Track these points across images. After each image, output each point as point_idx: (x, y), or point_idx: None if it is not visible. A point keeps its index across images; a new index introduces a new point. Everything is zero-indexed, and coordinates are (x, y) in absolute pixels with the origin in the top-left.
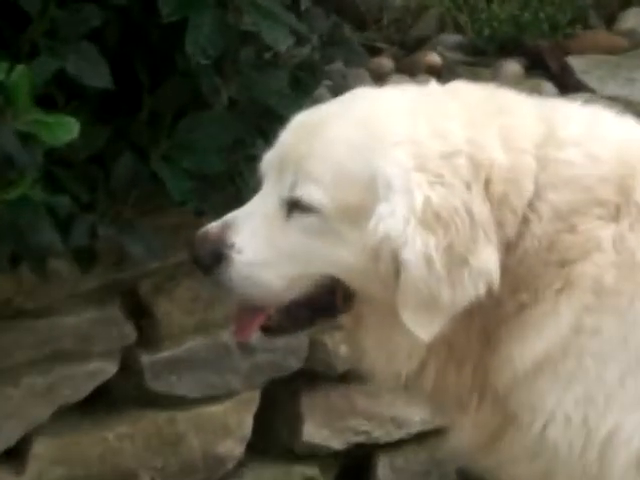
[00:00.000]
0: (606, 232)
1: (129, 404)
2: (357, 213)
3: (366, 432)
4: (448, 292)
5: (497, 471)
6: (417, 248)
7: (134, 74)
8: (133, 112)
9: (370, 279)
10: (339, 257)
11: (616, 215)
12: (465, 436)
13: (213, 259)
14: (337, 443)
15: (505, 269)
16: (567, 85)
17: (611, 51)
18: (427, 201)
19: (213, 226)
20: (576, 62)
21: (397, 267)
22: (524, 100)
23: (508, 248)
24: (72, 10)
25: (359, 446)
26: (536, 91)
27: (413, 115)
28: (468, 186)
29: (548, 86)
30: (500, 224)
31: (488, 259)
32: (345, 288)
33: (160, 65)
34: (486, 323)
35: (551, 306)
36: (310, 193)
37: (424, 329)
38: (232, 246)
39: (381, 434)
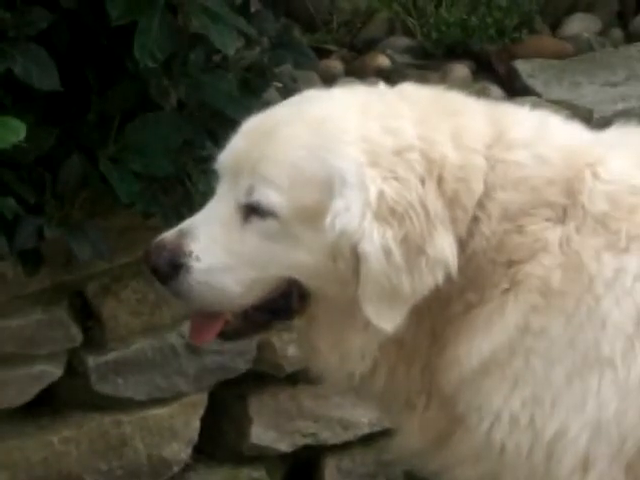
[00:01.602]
0: (553, 234)
1: (74, 407)
2: (314, 214)
3: (313, 434)
4: (408, 281)
5: (444, 473)
6: (374, 240)
7: (83, 76)
8: (81, 114)
9: (328, 279)
10: (298, 259)
11: (563, 217)
12: (412, 437)
13: (171, 268)
14: (284, 445)
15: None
16: (513, 89)
17: (556, 56)
18: (381, 195)
19: (169, 235)
20: (522, 66)
21: (356, 262)
22: (472, 102)
23: (459, 246)
24: (20, 12)
25: (306, 448)
26: (483, 94)
27: (364, 114)
28: (422, 181)
29: (495, 90)
30: (453, 221)
31: (445, 248)
32: (302, 289)
33: (109, 67)
34: (435, 323)
35: (498, 306)
36: (267, 197)
37: (387, 320)
38: (190, 254)
39: (328, 436)
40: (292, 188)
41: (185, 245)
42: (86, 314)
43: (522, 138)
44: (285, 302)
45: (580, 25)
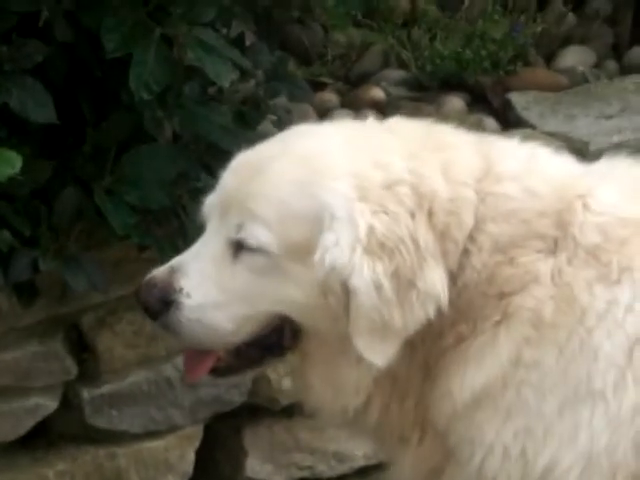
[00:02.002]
0: (545, 265)
1: (69, 440)
2: (304, 249)
3: (309, 467)
4: (399, 315)
5: None
6: (364, 275)
7: (78, 109)
8: (77, 146)
9: (319, 314)
10: (288, 295)
11: (554, 249)
12: (406, 471)
13: (161, 305)
14: (280, 478)
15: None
16: (508, 121)
17: (551, 88)
18: (371, 229)
19: (160, 271)
20: (517, 98)
21: (346, 298)
22: (462, 136)
23: (450, 279)
24: (16, 45)
25: None
26: (478, 126)
27: (353, 149)
28: (412, 215)
29: (490, 122)
30: (443, 254)
31: (436, 281)
32: (293, 325)
33: (104, 100)
34: (427, 356)
35: (490, 338)
36: (256, 233)
37: (379, 355)
38: (180, 291)
39: (324, 469)
40: (281, 224)
41: (175, 282)
42: (81, 347)
43: (511, 171)
44: (277, 338)
45: (574, 58)
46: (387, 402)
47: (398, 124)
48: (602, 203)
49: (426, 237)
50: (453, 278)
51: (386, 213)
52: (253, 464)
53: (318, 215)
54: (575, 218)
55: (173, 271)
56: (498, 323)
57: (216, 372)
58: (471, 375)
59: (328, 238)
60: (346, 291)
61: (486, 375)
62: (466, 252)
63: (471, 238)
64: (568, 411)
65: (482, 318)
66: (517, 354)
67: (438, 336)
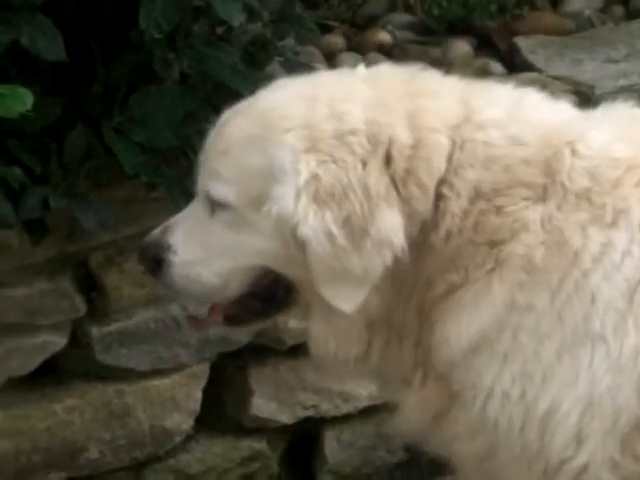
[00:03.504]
0: (533, 213)
1: (78, 377)
2: (262, 202)
3: (314, 406)
4: (358, 262)
5: (442, 449)
6: (311, 223)
7: (88, 47)
8: (86, 85)
9: (292, 265)
10: (259, 247)
11: (543, 196)
12: (411, 414)
13: (155, 263)
14: (285, 417)
15: (430, 249)
16: (514, 65)
17: (557, 32)
18: (316, 178)
19: (155, 231)
20: (523, 43)
21: (302, 248)
22: (448, 83)
23: (426, 225)
24: None
25: (307, 420)
26: (484, 71)
27: (312, 101)
28: (363, 162)
29: (496, 66)
30: (406, 200)
31: (388, 229)
32: (283, 279)
33: (114, 39)
34: (421, 303)
35: (483, 285)
36: (217, 189)
37: (345, 302)
38: (169, 248)
39: (329, 408)
40: (238, 179)
41: (164, 240)
42: (90, 285)
43: (494, 118)
44: (273, 291)
45: (581, 2)
46: (386, 347)
47: (382, 72)
48: (592, 147)
49: (379, 184)
50: (432, 225)
51: (335, 162)
52: (258, 403)
53: (269, 168)
54: (562, 165)
55: (164, 230)
56: (491, 271)
57: (227, 321)
58: (467, 322)
59: (276, 190)
60: (300, 242)
61: (482, 321)
62: (443, 197)
63: (447, 184)
64: (566, 354)
65: (474, 266)
66: (511, 299)
67: (429, 284)
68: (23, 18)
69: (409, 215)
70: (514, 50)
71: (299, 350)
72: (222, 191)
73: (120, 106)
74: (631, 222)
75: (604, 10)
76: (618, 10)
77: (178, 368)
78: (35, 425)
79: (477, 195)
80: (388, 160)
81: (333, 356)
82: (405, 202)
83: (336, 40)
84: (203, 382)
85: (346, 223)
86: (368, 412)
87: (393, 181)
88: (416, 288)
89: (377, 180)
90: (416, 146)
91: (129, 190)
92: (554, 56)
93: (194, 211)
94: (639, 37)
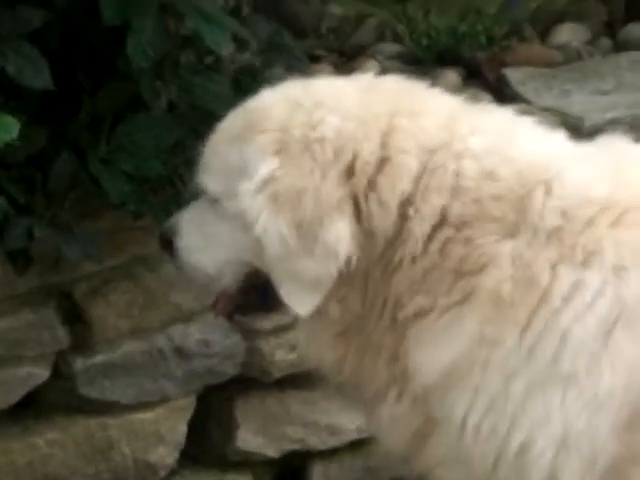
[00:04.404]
0: (502, 248)
1: (60, 410)
2: (233, 198)
3: (301, 439)
4: (311, 267)
5: (428, 475)
6: (263, 222)
7: (74, 76)
8: (73, 114)
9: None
10: (240, 240)
11: (513, 232)
12: (387, 428)
13: (166, 246)
14: (272, 450)
15: (396, 268)
16: (503, 96)
17: (546, 64)
18: (273, 180)
19: (172, 219)
20: (512, 74)
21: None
22: (440, 104)
23: (391, 244)
24: (13, 10)
25: (294, 454)
26: (474, 101)
27: (296, 106)
28: (323, 171)
29: (485, 97)
30: (367, 215)
31: (334, 239)
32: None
33: (100, 67)
34: (394, 320)
35: (453, 317)
36: (205, 182)
37: (300, 305)
38: (177, 233)
39: (316, 442)
40: (221, 174)
41: (174, 227)
42: (74, 316)
43: (473, 149)
44: (267, 288)
45: (569, 34)
46: (361, 357)
47: (381, 84)
48: (567, 185)
49: (333, 193)
50: (395, 243)
51: (296, 167)
52: (245, 436)
53: (243, 166)
54: (535, 203)
55: (176, 218)
56: (460, 302)
57: (234, 312)
58: (438, 353)
59: (240, 186)
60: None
61: (452, 353)
62: (408, 218)
63: (414, 206)
64: (537, 392)
65: (442, 294)
66: (480, 333)
67: (399, 303)
68: (9, 46)
69: (369, 230)
70: (503, 81)
71: (286, 382)
72: (208, 182)
73: (107, 135)
74: (604, 263)
75: (592, 42)
76: (606, 42)
77: (163, 401)
78: (16, 460)
79: (443, 222)
80: (350, 173)
81: (313, 361)
82: (365, 217)
83: (325, 70)
84: (188, 415)
85: (298, 227)
86: (356, 446)
87: (354, 195)
88: (387, 305)
89: (332, 190)
90: (382, 164)
91: (114, 219)
92: (543, 87)
93: (200, 202)
94: (627, 69)
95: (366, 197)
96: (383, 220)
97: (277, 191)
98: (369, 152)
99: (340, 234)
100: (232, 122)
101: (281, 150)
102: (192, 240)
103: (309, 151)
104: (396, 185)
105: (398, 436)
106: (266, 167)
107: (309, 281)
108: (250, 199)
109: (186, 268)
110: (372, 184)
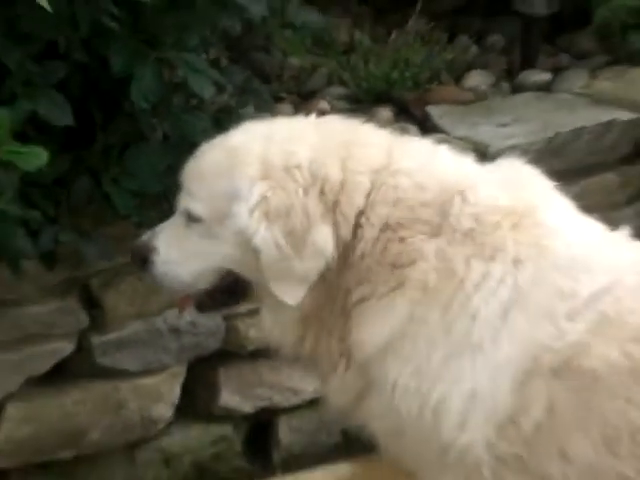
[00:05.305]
0: (428, 245)
1: (83, 376)
2: (225, 218)
3: (269, 398)
4: (299, 266)
5: (365, 427)
6: (262, 234)
7: (90, 114)
8: (89, 144)
9: (248, 267)
10: (222, 253)
11: (437, 232)
12: (336, 394)
13: (142, 261)
14: (247, 407)
15: (350, 265)
16: (427, 128)
17: (459, 102)
18: (265, 199)
19: (144, 236)
20: (433, 110)
21: (256, 254)
22: (383, 136)
23: (348, 247)
24: (44, 64)
25: (264, 410)
26: (403, 133)
27: (269, 141)
28: (305, 191)
29: (412, 129)
30: (336, 224)
31: (323, 241)
32: (241, 278)
33: (111, 108)
34: (344, 306)
35: (389, 301)
36: (193, 207)
37: (290, 296)
38: (154, 250)
39: (281, 400)
40: (209, 200)
41: (151, 243)
42: (92, 303)
43: (406, 168)
44: (233, 287)
45: (477, 79)
46: (317, 337)
47: (330, 122)
48: (478, 196)
49: (315, 208)
50: (352, 247)
51: (282, 189)
52: (226, 396)
53: (233, 192)
54: (453, 209)
55: (151, 235)
56: (394, 288)
57: (198, 308)
58: (377, 329)
59: (236, 209)
60: (254, 249)
61: (388, 330)
62: (361, 226)
63: (364, 216)
64: (453, 359)
65: (381, 283)
66: (410, 313)
67: (348, 292)
68: (41, 93)
69: (337, 236)
70: (426, 116)
71: (258, 354)
72: (196, 207)
73: (116, 161)
74: (506, 257)
75: (495, 85)
76: (505, 86)
77: (162, 369)
78: (49, 414)
79: (386, 227)
80: (322, 193)
81: (276, 340)
82: (334, 226)
83: (286, 108)
84: (181, 379)
85: (289, 235)
86: (313, 404)
87: (327, 208)
88: (339, 295)
89: (315, 204)
90: (344, 184)
91: (122, 228)
92: (457, 121)
93: (175, 222)
94: (522, 107)
95: (334, 210)
96: (345, 228)
97: (269, 208)
98: (334, 175)
99: (327, 238)
100: (216, 158)
101: (267, 176)
102: (170, 255)
103: (290, 175)
104: (354, 200)
105: (344, 397)
106: (257, 191)
107: (298, 277)
108: (247, 217)
109: (162, 278)
110: (337, 201)
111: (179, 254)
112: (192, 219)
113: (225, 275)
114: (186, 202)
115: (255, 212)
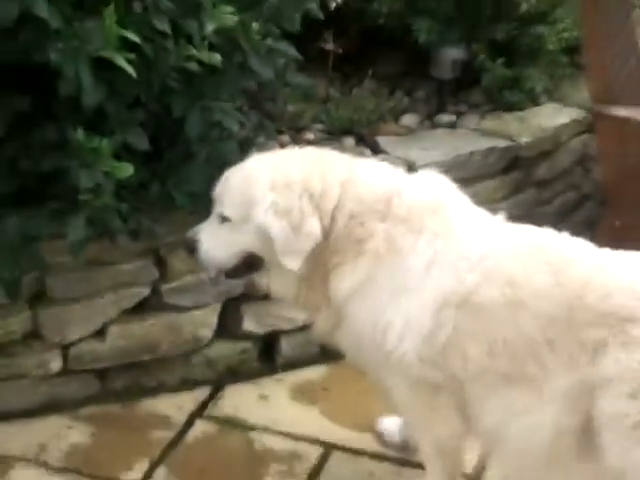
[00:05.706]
0: (379, 227)
1: (155, 309)
2: (247, 218)
3: (275, 324)
4: (298, 245)
5: (337, 343)
6: (276, 227)
7: (160, 142)
8: (159, 161)
9: (263, 249)
10: (246, 241)
11: (384, 218)
12: (320, 324)
13: (190, 249)
14: (260, 330)
15: (329, 243)
16: (376, 151)
17: (398, 134)
18: (275, 204)
19: (191, 231)
20: (381, 139)
21: (270, 240)
22: (344, 159)
23: (327, 231)
24: (131, 110)
25: (272, 332)
26: (360, 154)
27: (272, 166)
28: (300, 197)
29: (367, 152)
30: (320, 218)
31: (312, 229)
32: (257, 257)
33: (172, 138)
34: (324, 271)
35: (354, 265)
36: (224, 211)
37: (293, 264)
38: (198, 241)
39: (284, 325)
40: (236, 207)
41: (196, 236)
42: (161, 263)
43: (363, 178)
44: (251, 262)
45: (410, 119)
46: (307, 292)
47: (308, 151)
48: (409, 194)
49: (307, 208)
50: (329, 232)
51: (285, 196)
52: (246, 323)
53: (252, 200)
54: (394, 203)
55: (196, 231)
56: (357, 257)
57: (227, 277)
58: (346, 283)
59: (254, 211)
60: (269, 237)
61: (353, 283)
62: (334, 218)
63: (337, 210)
64: (395, 297)
65: (349, 253)
66: (367, 271)
67: (327, 261)
68: (129, 129)
69: (322, 225)
70: (376, 143)
71: (267, 297)
72: (226, 212)
73: (176, 172)
74: (428, 233)
75: (421, 123)
76: (427, 124)
77: (205, 305)
78: (136, 332)
79: (351, 216)
80: (310, 198)
81: (281, 296)
82: (319, 218)
83: (285, 138)
84: (218, 312)
85: (292, 226)
86: (303, 329)
87: (314, 207)
88: (320, 264)
89: (306, 205)
90: (323, 191)
91: (180, 215)
92: (397, 146)
93: (211, 222)
94: (438, 137)
95: (319, 209)
96: (325, 219)
97: (279, 210)
98: (317, 186)
99: (315, 226)
100: (236, 178)
101: (274, 189)
102: (209, 244)
103: (290, 188)
104: (330, 201)
105: (325, 326)
106: (269, 198)
107: (297, 252)
108: (263, 216)
109: (204, 260)
110: (320, 203)
111: (215, 244)
112: (224, 220)
113: (246, 256)
114: (219, 208)
115: (269, 213)
